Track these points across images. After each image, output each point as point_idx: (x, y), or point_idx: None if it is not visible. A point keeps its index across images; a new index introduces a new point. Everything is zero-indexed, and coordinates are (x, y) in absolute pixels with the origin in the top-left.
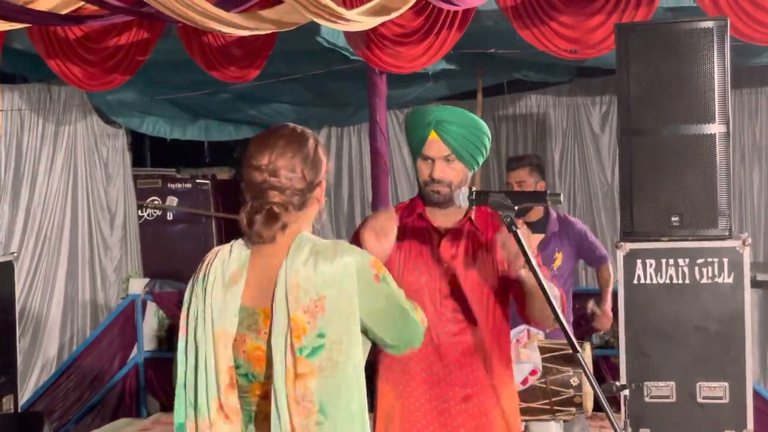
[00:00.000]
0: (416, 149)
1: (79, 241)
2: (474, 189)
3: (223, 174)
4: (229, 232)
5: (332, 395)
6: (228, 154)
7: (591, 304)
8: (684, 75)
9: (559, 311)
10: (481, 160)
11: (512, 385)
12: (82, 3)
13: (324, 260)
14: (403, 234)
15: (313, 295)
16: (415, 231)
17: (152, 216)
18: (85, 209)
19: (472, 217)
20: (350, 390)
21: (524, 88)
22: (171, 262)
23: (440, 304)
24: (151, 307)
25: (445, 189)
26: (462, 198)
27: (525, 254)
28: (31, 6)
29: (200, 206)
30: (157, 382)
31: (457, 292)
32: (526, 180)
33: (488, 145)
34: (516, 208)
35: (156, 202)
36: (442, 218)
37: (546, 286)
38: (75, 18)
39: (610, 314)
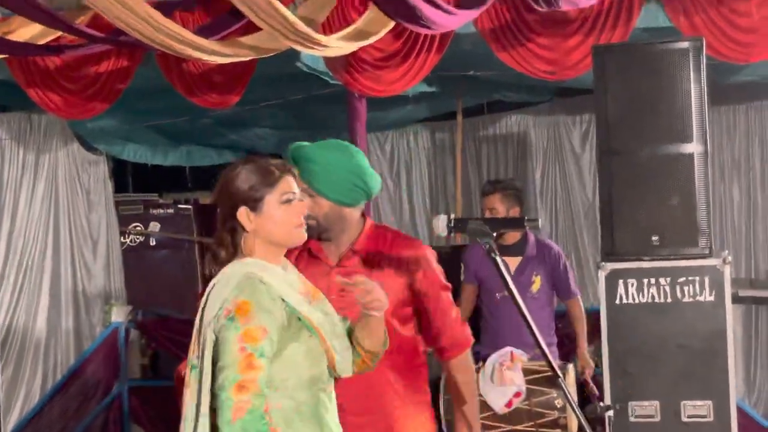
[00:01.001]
0: None
1: (61, 270)
2: (452, 217)
3: (205, 198)
4: None
5: None
6: (210, 178)
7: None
8: (661, 95)
9: (537, 334)
10: (347, 195)
11: (423, 416)
12: (60, 33)
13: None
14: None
15: None
16: (308, 266)
17: (135, 242)
18: (67, 237)
19: (355, 248)
20: None
21: (504, 108)
22: (155, 288)
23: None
24: (135, 335)
25: (313, 222)
26: (441, 226)
27: (503, 279)
28: (9, 37)
29: (183, 231)
30: (141, 411)
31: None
32: (497, 207)
33: (356, 181)
34: (494, 234)
35: (138, 228)
36: (332, 253)
37: (525, 311)
38: (54, 48)
39: (589, 359)
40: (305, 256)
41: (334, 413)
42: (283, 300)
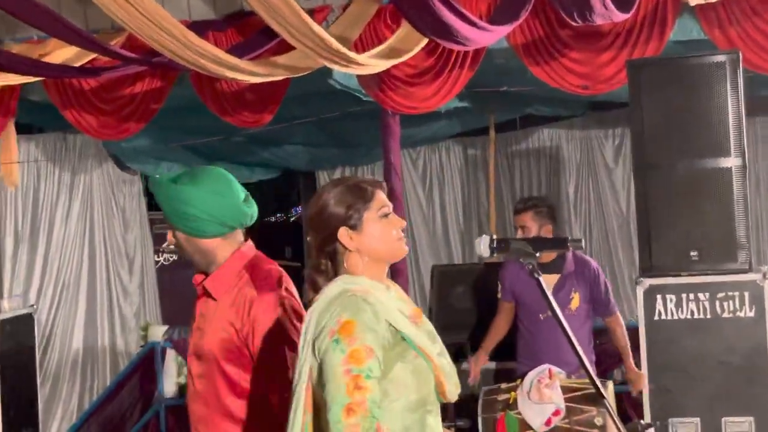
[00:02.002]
0: None
1: (97, 289)
2: (495, 237)
3: None
4: None
5: None
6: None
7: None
8: (698, 109)
9: (582, 353)
10: (195, 225)
11: None
12: (95, 55)
13: None
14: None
15: None
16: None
17: (168, 261)
18: (102, 256)
19: (206, 285)
20: None
21: (537, 122)
22: (189, 306)
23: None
24: (171, 353)
25: (174, 252)
26: (483, 247)
27: (546, 299)
28: (45, 59)
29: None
30: (178, 430)
31: (197, 360)
32: (529, 224)
33: (188, 210)
34: (538, 255)
35: (172, 246)
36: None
37: (570, 333)
38: (89, 70)
39: (639, 371)
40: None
41: (437, 429)
42: (389, 322)
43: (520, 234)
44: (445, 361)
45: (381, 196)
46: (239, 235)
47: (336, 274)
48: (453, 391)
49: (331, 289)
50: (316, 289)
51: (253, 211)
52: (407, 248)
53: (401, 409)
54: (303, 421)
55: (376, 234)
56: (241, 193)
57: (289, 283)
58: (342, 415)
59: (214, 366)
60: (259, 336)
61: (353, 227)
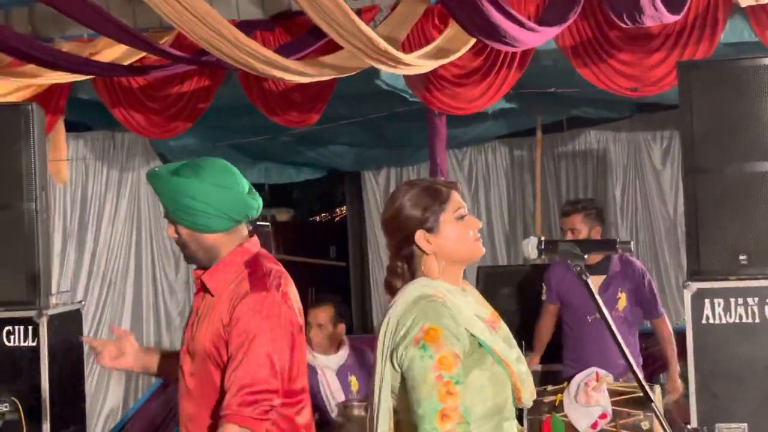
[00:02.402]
0: None
1: (143, 286)
2: (543, 239)
3: (283, 215)
4: (290, 273)
5: None
6: (288, 195)
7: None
8: (748, 112)
9: (630, 356)
10: (198, 220)
11: None
12: (144, 54)
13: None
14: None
15: None
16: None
17: None
18: (149, 254)
19: (204, 279)
20: None
21: (583, 124)
22: None
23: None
24: None
25: (184, 252)
26: (531, 249)
27: (595, 301)
28: (94, 57)
29: (262, 248)
30: None
31: (189, 357)
32: (579, 227)
33: (191, 203)
34: (586, 257)
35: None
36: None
37: (618, 336)
38: (138, 68)
39: (680, 386)
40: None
41: None
42: (466, 328)
43: (569, 236)
44: (523, 368)
45: (456, 197)
46: (243, 229)
47: (413, 277)
48: (528, 398)
49: (408, 293)
50: (393, 292)
51: (258, 203)
52: (484, 249)
53: (478, 416)
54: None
55: (453, 236)
56: (246, 184)
57: (288, 285)
58: (437, 421)
59: (205, 363)
60: (234, 334)
61: (430, 230)
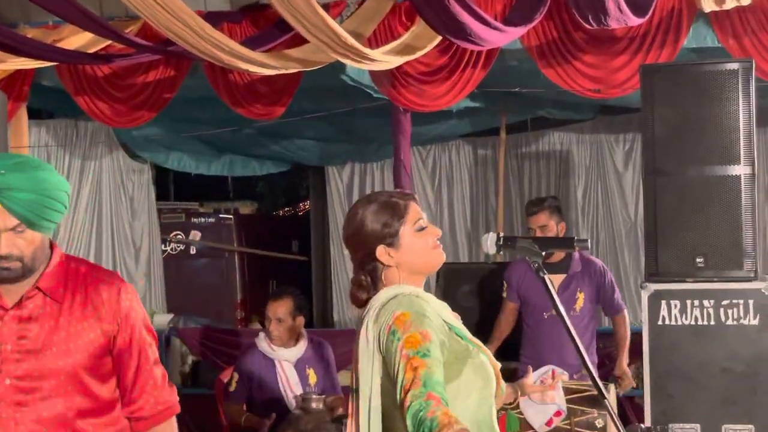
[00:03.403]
0: None
1: None
2: (501, 235)
3: (246, 208)
4: (252, 266)
5: None
6: (252, 189)
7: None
8: (709, 116)
9: (585, 354)
10: (59, 218)
11: None
12: (110, 42)
13: None
14: None
15: None
16: None
17: (175, 250)
18: (109, 244)
19: (43, 288)
20: None
21: (547, 125)
22: (194, 296)
23: (2, 396)
24: (175, 343)
25: (17, 264)
26: (489, 244)
27: (551, 298)
28: (59, 45)
29: (223, 241)
30: (182, 419)
31: (22, 379)
32: (548, 223)
33: (67, 200)
34: (543, 253)
35: (179, 236)
36: (12, 293)
37: (573, 333)
38: (103, 57)
39: (629, 373)
40: None
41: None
42: (441, 317)
43: (539, 234)
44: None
45: (414, 208)
46: None
47: (376, 288)
48: (502, 387)
49: (383, 295)
50: (358, 303)
51: None
52: (444, 255)
53: (474, 406)
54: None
55: (414, 248)
56: None
57: None
58: (402, 394)
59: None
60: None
61: (390, 244)
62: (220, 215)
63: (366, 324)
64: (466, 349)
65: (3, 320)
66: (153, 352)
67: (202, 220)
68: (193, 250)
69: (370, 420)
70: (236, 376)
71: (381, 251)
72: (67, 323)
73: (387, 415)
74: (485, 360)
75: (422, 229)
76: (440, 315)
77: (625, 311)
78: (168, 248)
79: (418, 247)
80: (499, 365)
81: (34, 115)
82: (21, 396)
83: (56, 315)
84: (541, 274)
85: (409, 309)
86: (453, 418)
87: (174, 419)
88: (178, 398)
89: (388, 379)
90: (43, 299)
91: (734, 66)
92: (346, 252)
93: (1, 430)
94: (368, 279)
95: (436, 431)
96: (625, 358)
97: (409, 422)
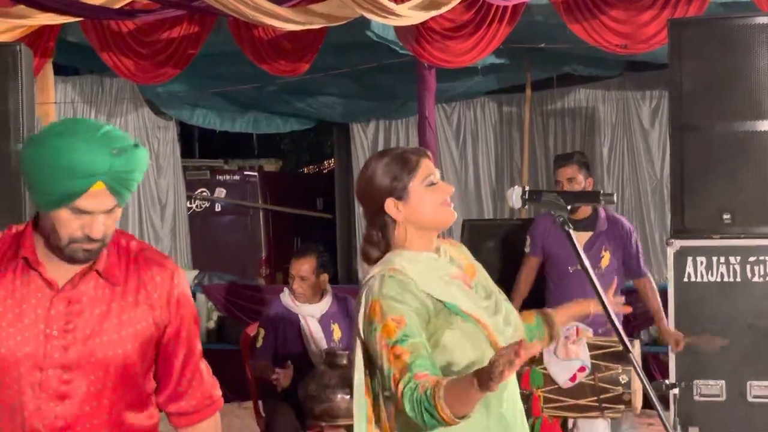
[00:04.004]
0: (61, 198)
1: (129, 232)
2: (526, 189)
3: (271, 166)
4: (277, 224)
5: None
6: (276, 146)
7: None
8: (737, 71)
9: (610, 308)
10: None
11: None
12: None
13: None
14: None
15: None
16: (16, 280)
17: (200, 207)
18: (135, 201)
19: (100, 269)
20: None
21: (573, 82)
22: (219, 253)
23: (43, 386)
24: (201, 299)
25: (100, 245)
26: (515, 198)
27: (576, 252)
28: (84, 0)
29: (248, 198)
30: None
31: (66, 370)
32: (577, 176)
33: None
34: (569, 207)
35: (204, 193)
36: (62, 271)
37: (598, 287)
38: (127, 12)
39: (672, 331)
40: (16, 268)
41: (500, 397)
42: (427, 292)
43: (567, 187)
44: (499, 318)
45: (426, 164)
46: None
47: (387, 245)
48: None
49: (375, 271)
50: (369, 260)
51: None
52: (455, 214)
53: (459, 371)
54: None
55: (423, 203)
56: None
57: None
58: (392, 386)
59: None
60: None
61: (399, 198)
62: (245, 172)
63: (360, 296)
64: (449, 317)
65: (51, 302)
66: (199, 345)
67: (227, 177)
68: (218, 208)
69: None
70: (262, 331)
71: (389, 204)
72: (119, 309)
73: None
74: (474, 328)
75: (433, 184)
76: (426, 288)
77: (650, 276)
78: (193, 205)
79: (427, 201)
80: (505, 327)
81: (59, 71)
82: (64, 387)
83: (108, 299)
84: (566, 227)
85: (379, 296)
86: (439, 378)
87: (218, 415)
88: (221, 392)
89: (372, 360)
90: (96, 281)
91: (764, 20)
92: None
93: (40, 424)
94: (379, 235)
95: (432, 399)
96: (665, 321)
97: (408, 408)
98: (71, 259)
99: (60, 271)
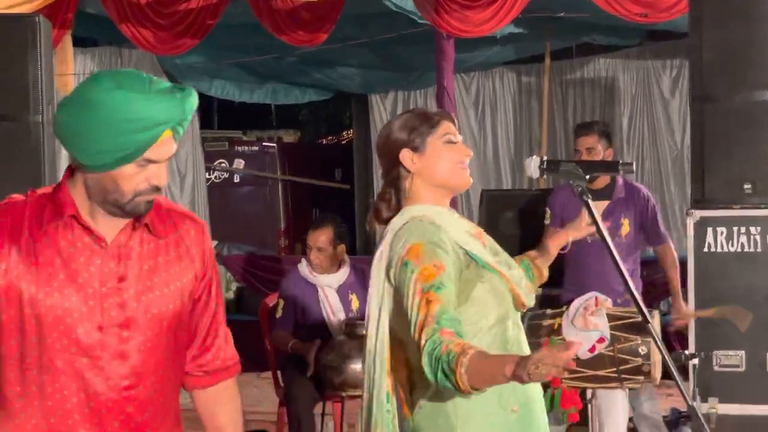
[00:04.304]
0: (130, 153)
1: None
2: (545, 158)
3: (289, 137)
4: (295, 195)
5: None
6: (294, 117)
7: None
8: (759, 40)
9: (629, 280)
10: None
11: None
12: None
13: None
14: (36, 243)
15: None
16: (61, 240)
17: (219, 179)
18: None
19: (148, 222)
20: None
21: (593, 51)
22: (238, 224)
23: (104, 346)
24: (220, 270)
25: (158, 194)
26: (533, 167)
27: (595, 222)
28: None
29: (267, 169)
30: None
31: (124, 328)
32: (596, 146)
33: None
34: (587, 177)
35: (223, 164)
36: (109, 227)
37: (617, 257)
38: None
39: (686, 308)
40: (58, 227)
41: (517, 339)
42: (458, 244)
43: (586, 157)
44: (515, 272)
45: (448, 124)
46: None
47: (399, 203)
48: (529, 297)
49: (396, 222)
50: (379, 219)
51: None
52: (471, 179)
53: (484, 328)
54: (388, 358)
55: (440, 158)
56: None
57: None
58: (416, 332)
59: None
60: None
61: (415, 149)
62: (264, 143)
63: (380, 252)
64: (479, 270)
65: (102, 259)
66: (223, 303)
67: (246, 148)
68: (236, 179)
69: (376, 350)
70: (281, 302)
71: (404, 154)
72: (165, 263)
73: (399, 345)
74: (500, 281)
75: (452, 143)
76: (457, 239)
77: (670, 242)
78: (212, 176)
79: (444, 158)
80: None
81: (78, 42)
82: (124, 346)
83: (155, 253)
84: (585, 197)
85: (421, 239)
86: (466, 345)
87: (236, 379)
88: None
89: (400, 310)
90: (142, 235)
91: None
92: None
93: (104, 386)
94: (392, 191)
95: (453, 363)
96: (680, 295)
97: (425, 361)
98: (132, 213)
99: (106, 228)
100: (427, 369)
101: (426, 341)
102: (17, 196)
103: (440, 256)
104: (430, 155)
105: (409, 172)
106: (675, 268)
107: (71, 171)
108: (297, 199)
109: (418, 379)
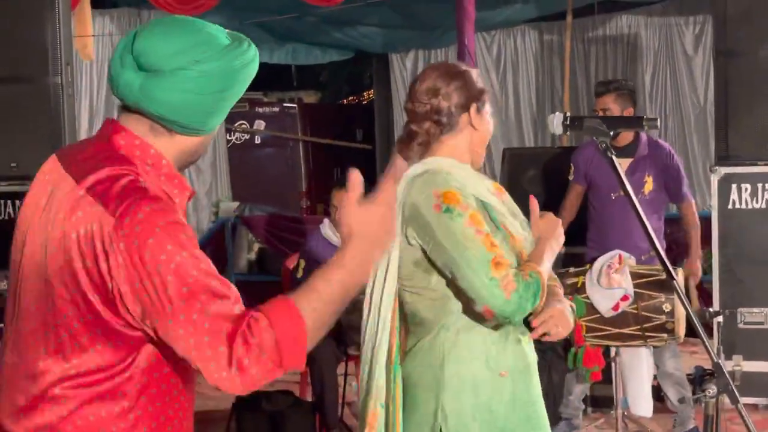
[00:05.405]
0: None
1: None
2: (568, 115)
3: (310, 98)
4: (316, 155)
5: None
6: (315, 77)
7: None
8: None
9: (653, 235)
10: None
11: None
12: None
13: None
14: None
15: None
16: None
17: (240, 140)
18: None
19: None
20: None
21: (615, 8)
22: (259, 185)
23: None
24: (241, 230)
25: None
26: (556, 124)
27: (619, 177)
28: None
29: (287, 130)
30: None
31: None
32: (612, 107)
33: None
34: (611, 133)
35: (244, 126)
36: None
37: (641, 213)
38: None
39: (699, 269)
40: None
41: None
42: (476, 196)
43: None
44: (527, 234)
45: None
46: None
47: (426, 150)
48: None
49: (411, 171)
50: (406, 155)
51: None
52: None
53: None
54: (393, 327)
55: (487, 126)
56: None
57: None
58: (492, 271)
59: None
60: None
61: (478, 109)
62: (285, 104)
63: (411, 190)
64: (492, 228)
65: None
66: None
67: (267, 109)
68: (257, 140)
69: (381, 301)
70: (302, 262)
71: (474, 108)
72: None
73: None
74: (503, 242)
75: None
76: (475, 192)
77: (692, 200)
78: (233, 138)
79: (489, 128)
80: (532, 245)
81: (97, 4)
82: None
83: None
84: (609, 153)
85: (449, 187)
86: (539, 275)
87: None
88: None
89: (420, 267)
90: None
91: None
92: None
93: None
94: (430, 131)
95: (540, 284)
96: (697, 250)
97: (521, 287)
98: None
99: None
100: (516, 297)
101: (515, 280)
102: (126, 175)
103: (473, 207)
104: (483, 120)
105: (468, 124)
106: (695, 228)
107: (136, 141)
108: (318, 160)
109: (414, 326)
